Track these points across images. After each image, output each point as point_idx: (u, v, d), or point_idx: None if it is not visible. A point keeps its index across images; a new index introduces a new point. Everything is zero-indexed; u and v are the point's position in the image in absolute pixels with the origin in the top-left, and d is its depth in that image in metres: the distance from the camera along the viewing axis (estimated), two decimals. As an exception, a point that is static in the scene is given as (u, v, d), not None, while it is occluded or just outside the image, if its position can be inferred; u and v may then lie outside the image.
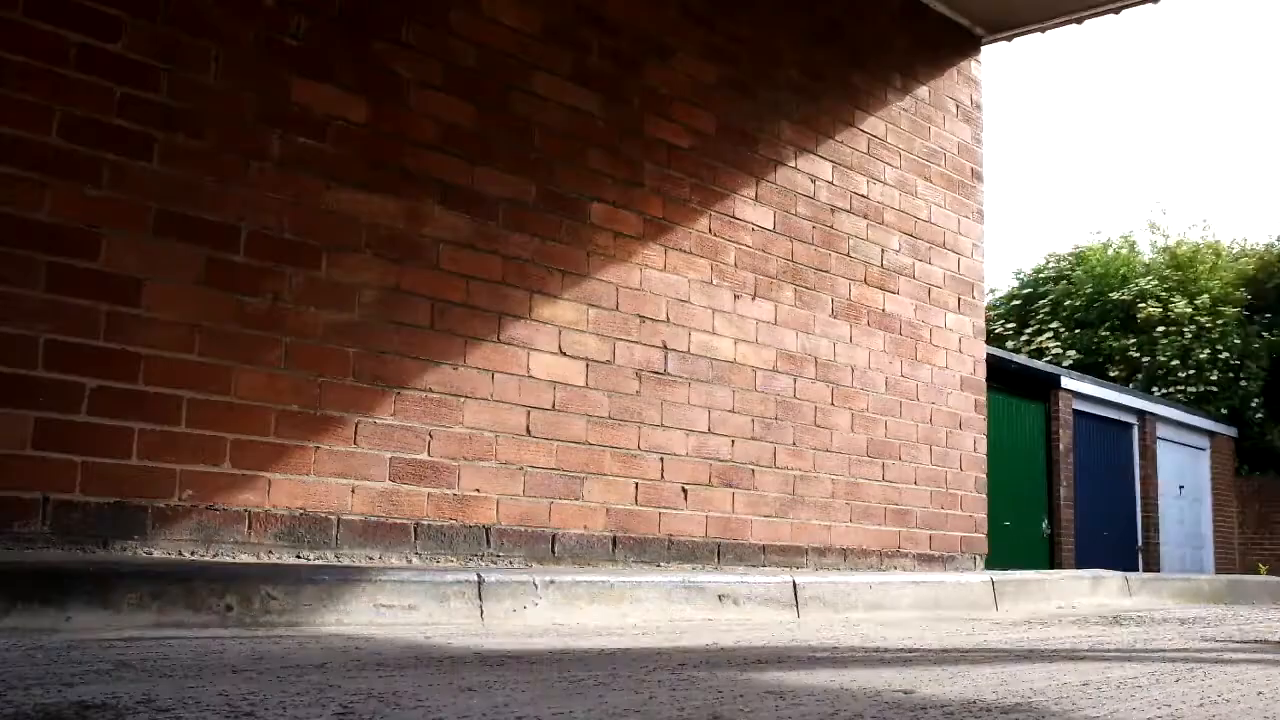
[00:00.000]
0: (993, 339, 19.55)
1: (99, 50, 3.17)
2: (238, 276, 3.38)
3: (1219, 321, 20.28)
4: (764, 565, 4.73)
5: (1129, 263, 22.45)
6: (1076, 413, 14.85)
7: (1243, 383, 19.81)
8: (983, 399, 6.14)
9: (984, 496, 6.06)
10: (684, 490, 4.53)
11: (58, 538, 2.97)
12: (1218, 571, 16.85)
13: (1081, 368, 19.04)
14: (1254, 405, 19.75)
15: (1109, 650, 2.46)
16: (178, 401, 3.23)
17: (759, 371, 4.88)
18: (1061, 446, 14.28)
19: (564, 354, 4.20)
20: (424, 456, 3.75)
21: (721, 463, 4.69)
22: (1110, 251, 23.20)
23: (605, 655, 2.07)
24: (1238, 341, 20.27)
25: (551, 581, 2.92)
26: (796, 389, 5.04)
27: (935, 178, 5.94)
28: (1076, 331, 21.12)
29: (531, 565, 3.86)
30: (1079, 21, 6.38)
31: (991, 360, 7.93)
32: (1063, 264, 23.22)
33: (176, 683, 1.52)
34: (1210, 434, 18.37)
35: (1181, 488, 17.44)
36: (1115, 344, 20.40)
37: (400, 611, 2.63)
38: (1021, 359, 15.91)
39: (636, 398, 4.41)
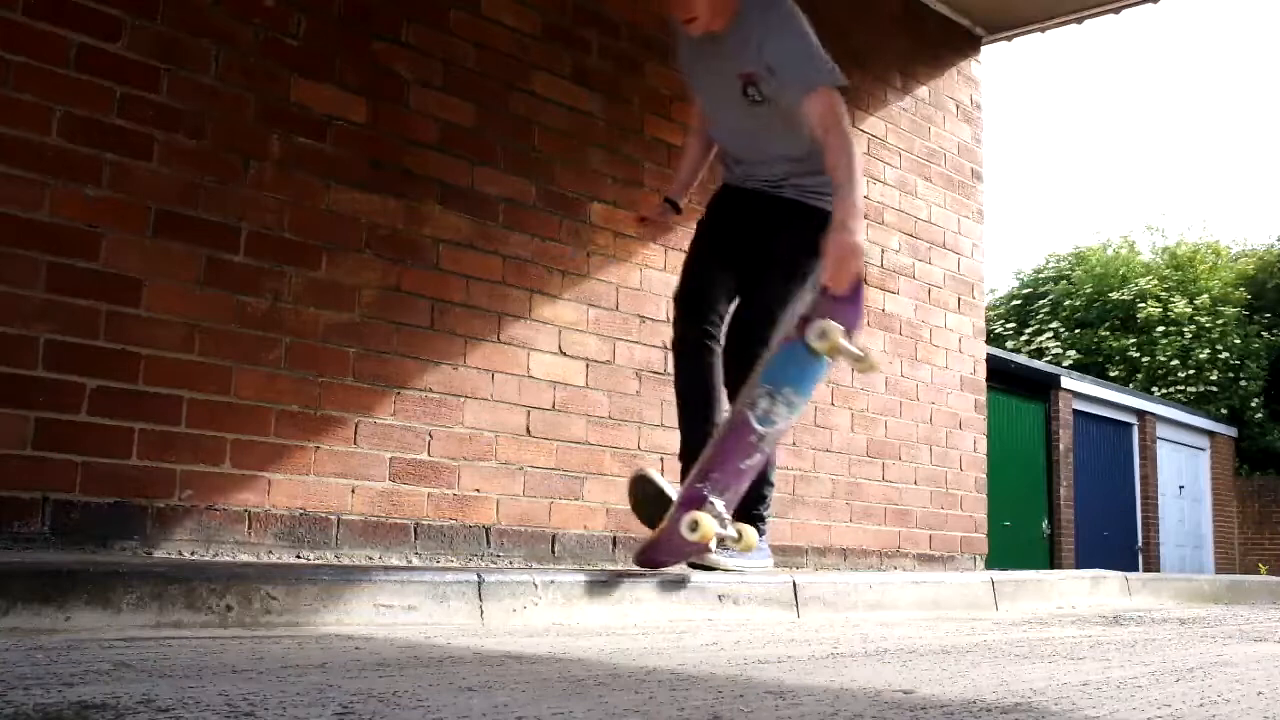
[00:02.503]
0: (993, 339, 19.55)
1: (99, 50, 3.17)
2: (238, 276, 3.38)
3: (1219, 321, 20.30)
4: (764, 565, 4.72)
5: (1129, 263, 22.47)
6: (1076, 413, 14.86)
7: (1243, 383, 19.82)
8: (983, 399, 6.14)
9: (984, 496, 6.06)
10: (684, 490, 4.52)
11: (58, 538, 2.97)
12: (1218, 571, 16.86)
13: (1081, 368, 19.06)
14: (1254, 405, 19.77)
15: (1109, 650, 2.46)
16: (178, 401, 3.23)
17: (759, 371, 4.87)
18: (1061, 446, 14.29)
19: (564, 354, 4.20)
20: (424, 456, 3.75)
21: (721, 463, 4.68)
22: (1110, 251, 23.23)
23: (605, 655, 2.07)
24: (1238, 341, 20.29)
25: (551, 581, 2.92)
26: (796, 389, 5.03)
27: (935, 178, 5.94)
28: (1076, 331, 21.15)
29: (531, 565, 3.86)
30: (1079, 21, 6.38)
31: (991, 360, 7.93)
32: (1063, 264, 23.24)
33: (176, 683, 1.52)
34: (1210, 434, 18.38)
35: (1181, 488, 17.44)
36: (1115, 344, 20.42)
37: (400, 611, 2.63)
38: (1021, 359, 15.92)
39: (637, 398, 4.41)
